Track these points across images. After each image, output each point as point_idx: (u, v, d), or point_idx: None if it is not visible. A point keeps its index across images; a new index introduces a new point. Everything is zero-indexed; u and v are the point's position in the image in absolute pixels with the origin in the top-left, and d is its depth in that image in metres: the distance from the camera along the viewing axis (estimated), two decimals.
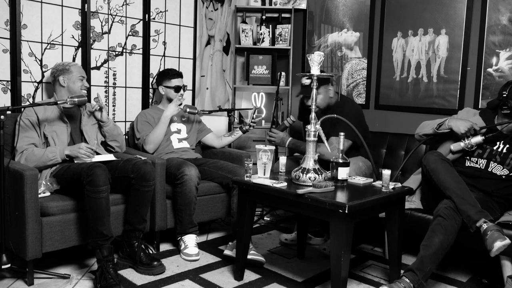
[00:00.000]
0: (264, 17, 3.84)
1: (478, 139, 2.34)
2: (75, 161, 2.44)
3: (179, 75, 3.15)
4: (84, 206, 2.24)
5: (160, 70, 3.47)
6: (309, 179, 2.12)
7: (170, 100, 3.13)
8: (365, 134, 2.76)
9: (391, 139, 3.20)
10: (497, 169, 2.40)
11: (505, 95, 2.37)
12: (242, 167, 2.86)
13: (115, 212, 2.45)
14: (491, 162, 2.41)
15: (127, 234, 2.47)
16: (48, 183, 2.37)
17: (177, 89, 3.11)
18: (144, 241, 2.72)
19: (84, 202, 2.23)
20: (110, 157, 2.55)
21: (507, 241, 2.01)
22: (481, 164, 2.44)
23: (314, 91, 2.19)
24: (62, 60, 2.96)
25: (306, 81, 2.78)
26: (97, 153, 2.55)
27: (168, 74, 3.14)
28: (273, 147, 2.39)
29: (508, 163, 2.38)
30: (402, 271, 2.36)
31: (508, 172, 2.38)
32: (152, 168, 2.46)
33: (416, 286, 2.09)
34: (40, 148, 2.46)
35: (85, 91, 2.70)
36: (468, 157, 2.47)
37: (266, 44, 3.80)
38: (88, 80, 3.09)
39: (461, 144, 2.38)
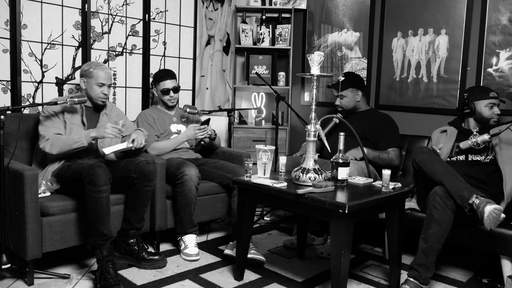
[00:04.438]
0: (264, 17, 3.84)
1: (485, 137, 2.40)
2: (101, 147, 2.45)
3: (169, 76, 3.04)
4: (85, 206, 2.24)
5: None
6: (309, 179, 2.12)
7: (163, 102, 3.09)
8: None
9: None
10: (477, 158, 2.50)
11: (465, 97, 2.59)
12: (242, 167, 2.86)
13: (115, 212, 2.45)
14: (469, 155, 2.51)
15: (125, 233, 2.47)
16: (48, 183, 2.37)
17: (165, 91, 3.02)
18: (141, 239, 2.70)
19: (85, 202, 2.23)
20: (125, 144, 2.51)
21: (498, 205, 2.06)
22: (461, 159, 2.54)
23: (314, 91, 2.19)
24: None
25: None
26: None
27: (157, 76, 3.06)
28: (273, 147, 2.39)
29: (484, 152, 2.47)
30: (402, 271, 2.37)
31: (489, 157, 2.46)
32: (154, 168, 2.47)
33: (421, 281, 2.16)
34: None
35: (103, 99, 2.57)
36: (449, 158, 2.55)
37: (266, 44, 3.80)
38: None
39: (469, 142, 2.45)
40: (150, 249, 2.69)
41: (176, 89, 3.07)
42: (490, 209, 2.03)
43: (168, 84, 3.03)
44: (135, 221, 2.47)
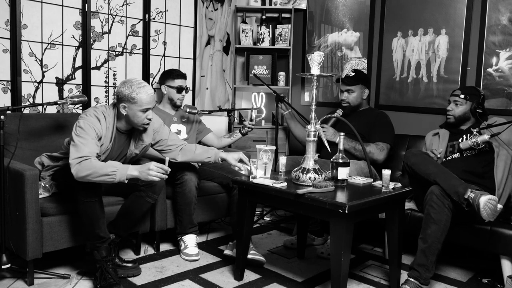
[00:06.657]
0: (264, 17, 3.84)
1: (485, 137, 2.40)
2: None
3: (183, 76, 3.08)
4: (78, 211, 2.17)
5: (160, 70, 3.47)
6: (309, 179, 2.12)
7: (170, 100, 3.09)
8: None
9: None
10: (472, 152, 2.50)
11: (482, 95, 2.59)
12: None
13: (115, 212, 2.45)
14: (463, 153, 2.52)
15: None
16: (47, 185, 2.36)
17: (179, 89, 3.04)
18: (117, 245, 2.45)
19: (78, 208, 2.15)
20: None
21: (493, 196, 2.08)
22: (455, 157, 2.54)
23: (314, 90, 2.19)
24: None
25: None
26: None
27: (172, 73, 3.07)
28: (274, 147, 2.39)
29: (478, 146, 2.44)
30: (402, 271, 2.37)
31: (482, 146, 2.43)
32: (163, 184, 2.47)
33: (422, 281, 2.16)
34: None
35: (147, 125, 2.30)
36: (444, 158, 2.56)
37: (266, 44, 3.80)
38: (88, 80, 3.09)
39: (469, 142, 2.45)
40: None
41: (186, 90, 3.10)
42: (485, 199, 2.05)
43: (183, 83, 3.06)
44: (123, 228, 2.40)
